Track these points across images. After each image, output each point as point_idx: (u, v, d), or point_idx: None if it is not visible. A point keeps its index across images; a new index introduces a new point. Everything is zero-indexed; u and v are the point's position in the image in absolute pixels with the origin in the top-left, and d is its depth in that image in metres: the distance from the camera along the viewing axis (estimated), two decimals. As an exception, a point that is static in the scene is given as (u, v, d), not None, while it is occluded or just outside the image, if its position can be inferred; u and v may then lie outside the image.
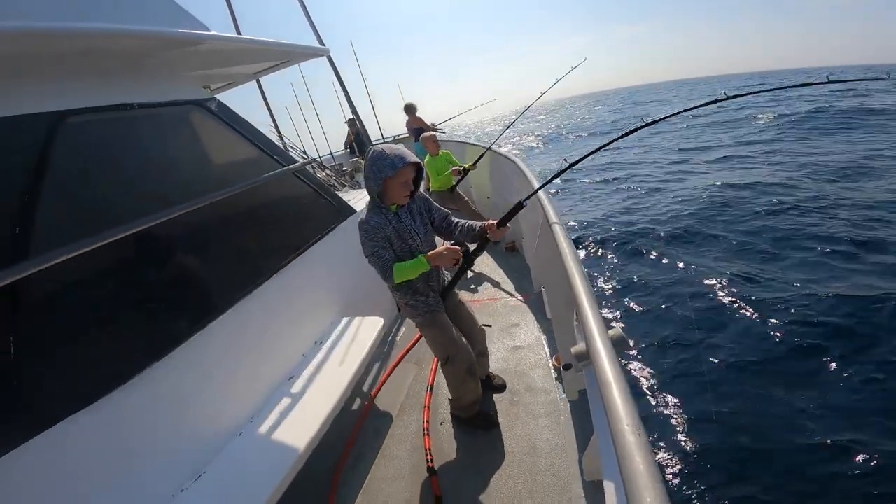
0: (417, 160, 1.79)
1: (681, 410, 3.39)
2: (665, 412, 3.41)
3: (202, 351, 1.69)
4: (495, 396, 2.38)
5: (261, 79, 3.31)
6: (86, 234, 1.30)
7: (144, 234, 1.50)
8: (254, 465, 1.65)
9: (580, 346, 1.06)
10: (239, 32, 3.51)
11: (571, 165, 2.04)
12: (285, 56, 2.40)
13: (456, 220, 2.02)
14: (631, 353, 4.14)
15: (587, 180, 12.26)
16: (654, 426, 3.29)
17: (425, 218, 1.97)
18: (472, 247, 2.04)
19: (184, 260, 1.78)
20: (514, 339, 2.91)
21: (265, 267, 2.11)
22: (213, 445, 1.70)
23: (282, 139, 5.11)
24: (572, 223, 8.29)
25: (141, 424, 1.45)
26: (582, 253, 6.87)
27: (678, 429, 3.24)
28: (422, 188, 2.00)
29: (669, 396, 3.55)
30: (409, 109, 7.06)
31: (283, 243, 2.30)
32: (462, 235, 1.99)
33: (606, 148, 2.01)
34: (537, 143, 26.84)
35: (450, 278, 2.14)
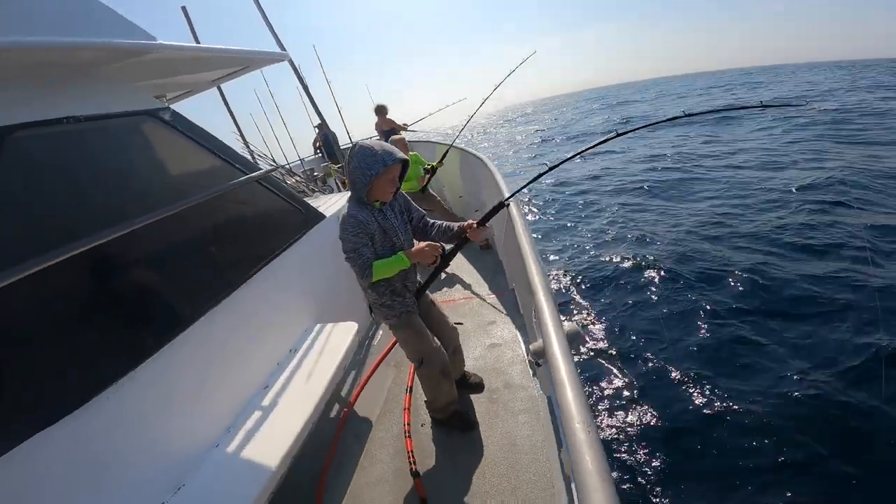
0: (405, 157, 1.78)
1: (644, 409, 3.42)
2: (627, 411, 3.45)
3: (172, 364, 1.65)
4: (474, 395, 2.39)
5: (224, 86, 3.24)
6: (39, 252, 1.27)
7: (105, 249, 1.46)
8: (234, 476, 1.63)
9: (538, 344, 1.07)
10: (197, 41, 3.43)
11: (552, 168, 2.05)
12: (243, 62, 2.35)
13: (432, 220, 2.02)
14: (603, 350, 4.20)
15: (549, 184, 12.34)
16: (614, 424, 3.32)
17: (405, 217, 1.97)
18: (448, 247, 2.04)
19: (148, 273, 1.74)
20: (490, 336, 2.93)
21: (232, 277, 2.07)
22: (192, 457, 1.68)
23: (248, 147, 5.01)
24: (541, 237, 8.31)
25: (114, 439, 1.42)
26: (553, 258, 6.94)
27: (639, 427, 3.27)
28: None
29: (634, 396, 3.59)
30: (380, 111, 6.97)
31: (251, 252, 2.25)
32: (439, 236, 1.98)
33: (583, 154, 2.06)
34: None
35: (422, 279, 2.13)
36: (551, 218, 9.30)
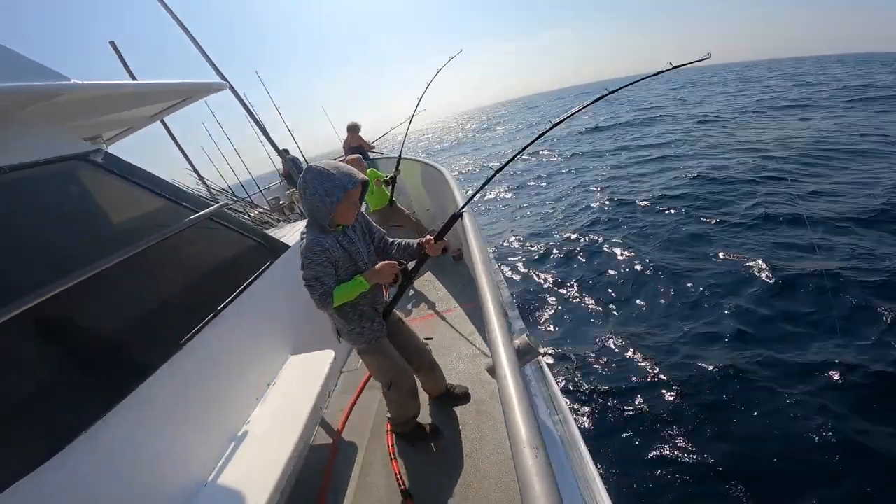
0: (364, 177, 1.72)
1: (610, 424, 3.40)
2: (591, 424, 3.41)
3: (146, 408, 1.61)
4: (461, 409, 2.33)
5: (176, 119, 3.13)
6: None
7: (58, 301, 1.41)
8: None
9: (489, 360, 1.03)
10: (132, 75, 3.30)
11: (497, 171, 2.07)
12: (180, 95, 2.26)
13: (391, 239, 1.98)
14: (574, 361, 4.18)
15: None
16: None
17: (367, 238, 1.92)
18: (411, 264, 2.00)
19: (108, 321, 1.68)
20: (472, 347, 2.87)
21: (197, 318, 2.00)
22: (180, 498, 1.65)
23: (203, 182, 4.85)
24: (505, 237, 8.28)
25: (94, 487, 1.38)
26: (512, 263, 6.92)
27: (603, 447, 3.21)
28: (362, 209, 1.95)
29: (597, 410, 3.55)
30: (352, 129, 6.97)
31: (214, 292, 2.18)
32: (399, 254, 1.94)
33: (522, 153, 2.12)
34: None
35: (388, 299, 2.08)
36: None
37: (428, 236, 1.91)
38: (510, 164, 2.09)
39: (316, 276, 1.67)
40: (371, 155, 7.36)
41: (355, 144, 6.92)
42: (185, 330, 1.92)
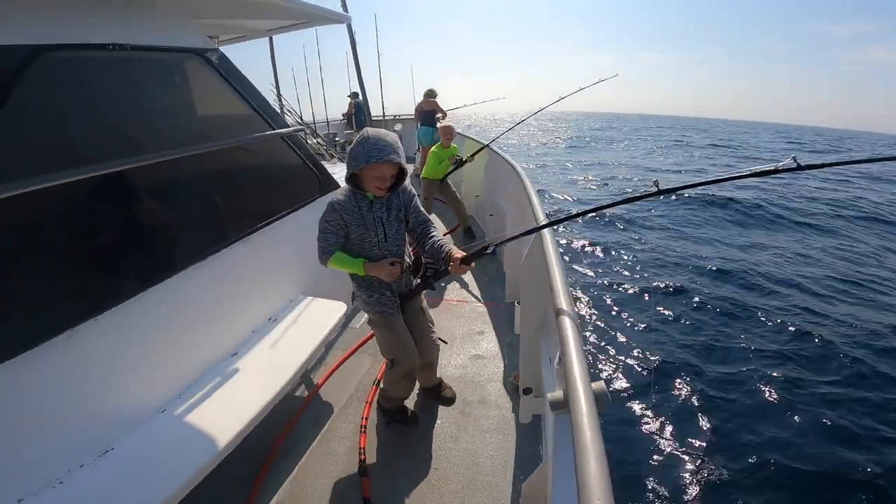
0: (400, 162, 1.65)
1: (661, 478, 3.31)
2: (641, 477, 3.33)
3: (139, 315, 1.56)
4: (445, 406, 2.33)
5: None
6: (38, 173, 1.22)
7: (100, 181, 1.42)
8: (174, 444, 1.53)
9: (557, 394, 0.99)
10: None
11: (579, 215, 1.72)
12: (304, 16, 2.28)
13: (432, 233, 1.88)
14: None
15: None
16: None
17: (401, 214, 1.86)
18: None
19: (141, 213, 1.66)
20: (476, 347, 2.88)
21: (230, 231, 2.00)
22: (129, 420, 1.57)
23: (280, 100, 4.94)
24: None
25: (48, 391, 1.32)
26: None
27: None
28: (408, 175, 1.87)
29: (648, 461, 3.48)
30: (428, 94, 7.22)
31: (256, 209, 2.19)
32: (430, 251, 1.86)
33: (611, 208, 1.84)
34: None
35: (414, 284, 2.03)
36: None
37: (456, 254, 1.75)
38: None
39: (323, 229, 1.76)
40: (438, 123, 7.52)
41: (428, 109, 7.15)
42: (218, 240, 1.91)
